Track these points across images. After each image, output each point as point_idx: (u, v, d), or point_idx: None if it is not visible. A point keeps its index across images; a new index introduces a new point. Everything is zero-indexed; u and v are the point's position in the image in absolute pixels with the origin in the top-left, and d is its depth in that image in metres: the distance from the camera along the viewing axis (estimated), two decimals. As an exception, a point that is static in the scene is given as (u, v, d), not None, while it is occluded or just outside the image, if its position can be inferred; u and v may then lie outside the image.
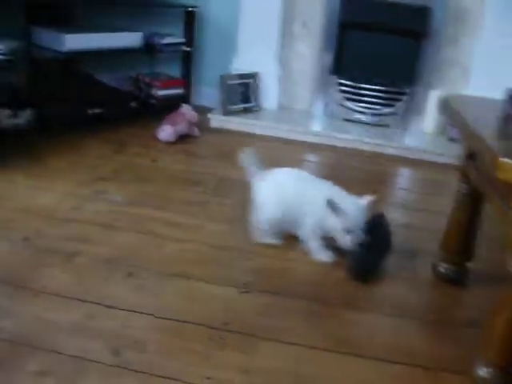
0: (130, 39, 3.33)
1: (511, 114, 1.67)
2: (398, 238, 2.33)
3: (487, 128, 1.63)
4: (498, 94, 1.77)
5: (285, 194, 2.08)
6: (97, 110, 3.20)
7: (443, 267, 2.04)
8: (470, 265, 2.04)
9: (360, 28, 3.73)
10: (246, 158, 2.17)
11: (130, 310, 1.67)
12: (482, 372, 1.52)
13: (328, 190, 2.08)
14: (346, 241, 1.99)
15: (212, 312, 1.71)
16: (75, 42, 3.01)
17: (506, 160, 1.23)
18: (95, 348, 1.50)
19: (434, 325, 1.81)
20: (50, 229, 2.08)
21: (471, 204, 1.92)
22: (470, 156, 1.82)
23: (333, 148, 3.45)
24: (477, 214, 1.94)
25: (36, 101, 2.92)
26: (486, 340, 1.52)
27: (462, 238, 1.97)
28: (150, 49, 3.51)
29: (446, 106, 1.84)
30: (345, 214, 1.96)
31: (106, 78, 3.67)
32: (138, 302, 1.72)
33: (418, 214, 2.66)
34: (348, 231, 1.98)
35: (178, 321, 1.65)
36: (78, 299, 1.69)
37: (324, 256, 2.07)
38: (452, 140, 3.50)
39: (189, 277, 1.88)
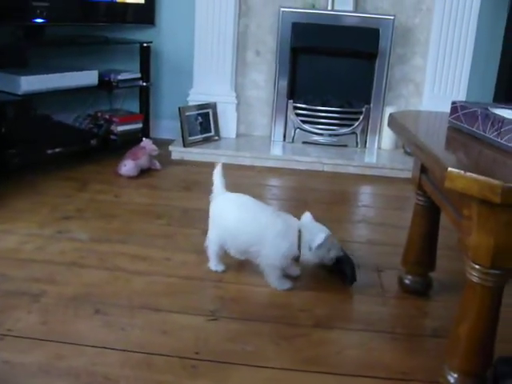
0: (85, 77, 3.34)
1: (456, 125, 1.73)
2: (362, 253, 2.37)
3: (434, 140, 1.68)
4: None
5: (225, 221, 2.07)
6: (56, 150, 3.19)
7: (408, 279, 2.08)
8: (433, 275, 2.08)
9: (312, 52, 3.82)
10: (217, 174, 2.18)
11: (98, 347, 1.66)
12: (452, 379, 1.55)
13: (285, 219, 2.06)
14: (329, 258, 2.02)
15: (182, 342, 1.72)
16: (31, 83, 3.02)
17: (452, 169, 1.27)
18: (66, 388, 1.50)
19: (403, 337, 1.84)
20: (15, 271, 2.07)
21: (429, 216, 1.97)
22: (423, 169, 1.88)
23: (294, 171, 3.50)
24: (435, 224, 1.98)
25: (-6, 144, 2.92)
26: (452, 348, 1.54)
27: (422, 250, 2.01)
28: (106, 85, 3.52)
29: (393, 122, 1.89)
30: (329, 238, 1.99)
31: (64, 117, 3.67)
32: (106, 338, 1.71)
33: (380, 229, 2.70)
34: (330, 249, 2.01)
35: (149, 353, 1.65)
36: (45, 340, 1.68)
37: (284, 285, 2.07)
38: (409, 154, 3.58)
39: (157, 309, 1.88)
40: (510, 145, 1.48)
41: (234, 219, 2.05)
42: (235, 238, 2.05)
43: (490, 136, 1.56)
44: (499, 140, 1.52)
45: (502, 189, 1.21)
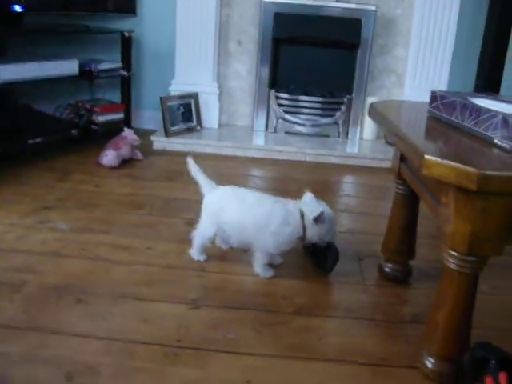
0: (66, 67, 3.33)
1: (435, 114, 1.75)
2: (343, 242, 2.39)
3: (413, 129, 1.70)
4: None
5: (227, 217, 2.07)
6: (37, 140, 3.18)
7: (388, 267, 2.11)
8: (412, 263, 2.11)
9: (294, 42, 3.82)
10: (194, 169, 2.19)
11: (81, 336, 1.67)
12: (430, 364, 1.58)
13: (284, 205, 2.08)
14: (328, 237, 2.07)
15: (164, 330, 1.72)
16: (10, 72, 2.99)
17: (429, 157, 1.29)
18: (47, 376, 1.49)
19: (383, 323, 1.86)
20: (-4, 261, 2.07)
21: (408, 204, 1.99)
22: (403, 158, 1.89)
23: (276, 161, 3.51)
24: (414, 213, 2.01)
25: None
26: (430, 333, 1.57)
27: (402, 238, 2.03)
28: (87, 75, 3.51)
29: (373, 112, 1.91)
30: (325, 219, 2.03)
31: (45, 107, 3.65)
32: (89, 327, 1.71)
33: (362, 218, 2.73)
34: (329, 228, 2.06)
35: (131, 342, 1.66)
36: (28, 329, 1.68)
37: (268, 273, 2.08)
38: (390, 144, 3.60)
39: (139, 298, 1.89)
40: (487, 133, 1.50)
41: (237, 214, 2.06)
42: (240, 232, 2.06)
43: (468, 125, 1.58)
44: (477, 129, 1.54)
45: (477, 176, 1.23)
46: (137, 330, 1.71)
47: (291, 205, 2.07)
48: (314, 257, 2.18)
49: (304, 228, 2.02)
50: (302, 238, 2.05)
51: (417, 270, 2.13)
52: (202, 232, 2.12)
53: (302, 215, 2.02)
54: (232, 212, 2.06)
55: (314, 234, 2.02)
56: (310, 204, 2.06)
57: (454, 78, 3.79)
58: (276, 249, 2.05)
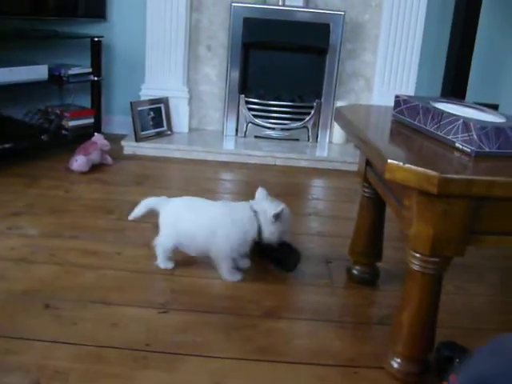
0: (35, 72, 3.31)
1: (399, 118, 1.78)
2: (312, 245, 2.42)
3: (377, 133, 1.73)
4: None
5: (180, 224, 2.08)
6: (6, 145, 3.15)
7: (356, 269, 2.13)
8: (379, 265, 2.14)
9: (263, 47, 3.85)
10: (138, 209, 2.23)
11: (49, 341, 1.66)
12: (396, 364, 1.61)
13: (233, 208, 2.10)
14: (276, 239, 2.06)
15: (133, 334, 1.73)
16: (-22, 78, 2.98)
17: (391, 161, 1.32)
18: (15, 382, 1.49)
19: (350, 325, 1.88)
20: (-37, 268, 2.05)
21: (375, 207, 2.02)
22: (368, 161, 1.93)
23: (246, 165, 3.53)
24: (381, 216, 2.04)
25: None
26: (396, 334, 1.60)
27: (369, 240, 2.06)
28: (57, 80, 3.49)
29: (339, 116, 1.93)
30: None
31: (14, 112, 3.63)
32: (57, 333, 1.71)
33: (330, 221, 2.76)
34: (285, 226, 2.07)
35: (100, 346, 1.66)
36: (-5, 335, 1.68)
37: (235, 277, 2.09)
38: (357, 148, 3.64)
39: (107, 302, 1.89)
40: (448, 137, 1.53)
41: (189, 223, 2.07)
42: (194, 241, 2.07)
43: (431, 129, 1.61)
44: (439, 133, 1.57)
45: (438, 179, 1.26)
46: (106, 335, 1.72)
47: (241, 206, 2.09)
48: (273, 258, 2.20)
49: (259, 227, 2.03)
50: (258, 237, 2.05)
51: (384, 272, 2.16)
52: (162, 244, 2.12)
53: (256, 214, 2.04)
54: (185, 222, 2.08)
55: (270, 232, 2.03)
56: (263, 202, 2.08)
57: (422, 83, 3.86)
58: (232, 252, 2.05)
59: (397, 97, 1.80)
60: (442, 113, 1.56)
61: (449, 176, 1.28)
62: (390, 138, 1.71)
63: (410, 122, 1.73)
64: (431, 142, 1.57)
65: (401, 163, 1.31)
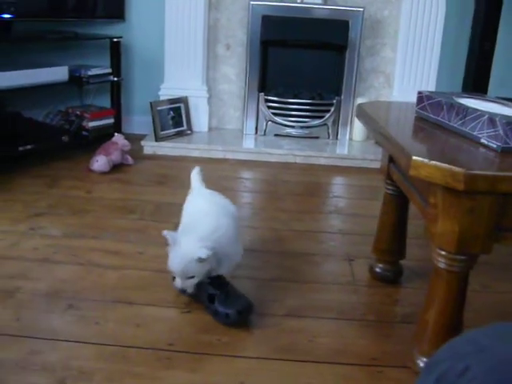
0: (55, 73, 3.32)
1: (422, 115, 1.76)
2: (333, 243, 2.41)
3: (400, 130, 1.71)
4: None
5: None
6: (27, 147, 3.17)
7: (378, 267, 2.12)
8: (403, 263, 2.12)
9: (282, 45, 3.84)
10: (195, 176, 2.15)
11: (73, 341, 1.67)
12: (421, 363, 1.59)
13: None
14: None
15: (156, 334, 1.73)
16: (0, 80, 2.99)
17: (416, 158, 1.30)
18: (41, 382, 1.49)
19: (374, 324, 1.87)
20: (-13, 269, 2.07)
21: (398, 204, 2.01)
22: (391, 158, 1.91)
23: (266, 163, 3.52)
24: (404, 213, 2.02)
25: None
26: (421, 333, 1.58)
27: (392, 238, 2.05)
28: (77, 81, 3.51)
29: (361, 113, 1.92)
30: None
31: (35, 113, 3.65)
32: (81, 333, 1.72)
33: (352, 219, 2.74)
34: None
35: (123, 346, 1.66)
36: (20, 336, 1.68)
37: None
38: (380, 145, 3.62)
39: (130, 302, 1.89)
40: (473, 133, 1.51)
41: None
42: None
43: (455, 125, 1.59)
44: (463, 129, 1.55)
45: (464, 176, 1.24)
46: (129, 335, 1.72)
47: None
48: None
49: None
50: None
51: (407, 270, 2.15)
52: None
53: None
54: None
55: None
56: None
57: (442, 79, 3.82)
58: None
59: (419, 93, 1.79)
60: (466, 108, 1.54)
61: (475, 172, 1.26)
62: (414, 135, 1.69)
63: (433, 118, 1.71)
64: (456, 138, 1.55)
65: (426, 160, 1.29)
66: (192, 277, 1.79)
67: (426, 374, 0.78)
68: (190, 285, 1.81)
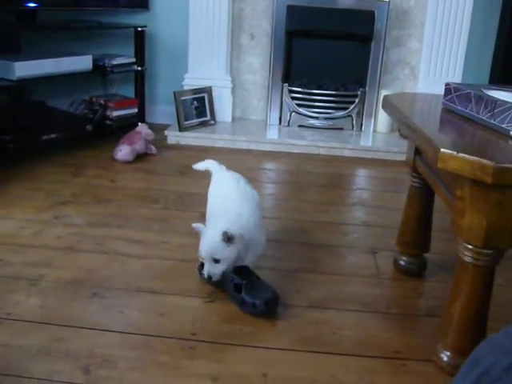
0: (80, 62, 3.34)
1: (450, 106, 1.74)
2: (357, 235, 2.40)
3: (427, 122, 1.70)
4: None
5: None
6: (52, 136, 3.19)
7: (403, 260, 2.10)
8: (427, 256, 2.10)
9: (307, 35, 3.81)
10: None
11: (97, 329, 1.68)
12: (445, 357, 1.58)
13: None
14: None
15: (179, 324, 1.73)
16: (25, 69, 3.01)
17: (444, 150, 1.29)
18: (65, 369, 1.51)
19: (397, 317, 1.86)
20: (13, 256, 2.08)
21: (423, 197, 1.99)
22: (417, 150, 1.89)
23: (289, 154, 3.51)
24: (429, 206, 2.00)
25: (-11, 131, 2.92)
26: (445, 327, 1.57)
27: (417, 231, 2.03)
28: (101, 70, 3.52)
29: (387, 104, 1.90)
30: None
31: (59, 103, 3.67)
32: (104, 321, 1.73)
33: (375, 211, 2.72)
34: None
35: (147, 335, 1.67)
36: (45, 323, 1.70)
37: None
38: (404, 137, 3.59)
39: (154, 291, 1.90)
40: (502, 126, 1.49)
41: None
42: None
43: (484, 117, 1.57)
44: (492, 121, 1.53)
45: (493, 169, 1.23)
46: (153, 324, 1.73)
47: None
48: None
49: None
50: None
51: (431, 263, 2.13)
52: None
53: None
54: None
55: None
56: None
57: (468, 70, 3.77)
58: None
59: (447, 84, 1.76)
60: (495, 101, 1.52)
61: (504, 165, 1.24)
62: (441, 127, 1.67)
63: (461, 111, 1.68)
64: (484, 131, 1.53)
65: (454, 152, 1.28)
66: (218, 261, 1.80)
67: (467, 370, 0.77)
68: (217, 271, 1.82)
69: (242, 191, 1.98)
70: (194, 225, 1.88)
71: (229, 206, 1.91)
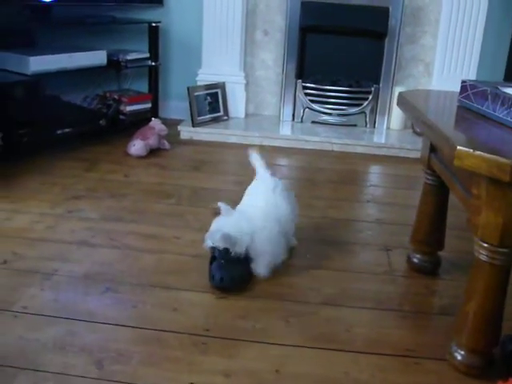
0: (94, 57, 3.34)
1: (466, 104, 1.73)
2: (370, 233, 2.39)
3: (443, 119, 1.68)
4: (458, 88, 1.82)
5: None
6: (66, 130, 3.20)
7: (416, 258, 2.09)
8: (441, 254, 2.09)
9: (321, 31, 3.80)
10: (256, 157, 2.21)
11: (110, 324, 1.69)
12: (459, 356, 1.57)
13: None
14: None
15: (192, 319, 1.74)
16: (40, 63, 3.02)
17: (461, 148, 1.28)
18: (78, 363, 1.52)
19: (411, 315, 1.85)
20: (27, 250, 2.09)
21: (437, 195, 1.98)
22: (432, 148, 1.88)
23: (302, 151, 3.50)
24: (444, 204, 1.99)
25: (4, 125, 2.92)
26: (460, 325, 1.56)
27: (431, 229, 2.02)
28: (115, 66, 3.53)
29: (402, 101, 1.89)
30: None
31: (73, 97, 3.68)
32: (118, 316, 1.73)
33: (389, 208, 2.71)
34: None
35: (160, 330, 1.68)
36: (59, 317, 1.71)
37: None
38: (418, 134, 3.58)
39: (167, 287, 1.91)
40: (519, 124, 1.48)
41: None
42: None
43: (500, 115, 1.56)
44: (509, 119, 1.52)
45: (511, 167, 1.21)
46: (166, 319, 1.73)
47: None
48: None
49: None
50: None
51: (445, 261, 2.11)
52: None
53: None
54: None
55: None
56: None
57: (483, 68, 3.74)
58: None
59: (463, 82, 1.75)
60: (512, 98, 1.51)
61: (521, 164, 1.23)
62: (457, 124, 1.66)
63: (477, 108, 1.67)
64: (500, 129, 1.52)
65: (471, 150, 1.27)
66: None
67: None
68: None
69: (269, 201, 2.05)
70: (219, 203, 1.95)
71: (250, 208, 2.03)
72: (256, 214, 1.99)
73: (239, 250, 1.88)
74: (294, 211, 2.13)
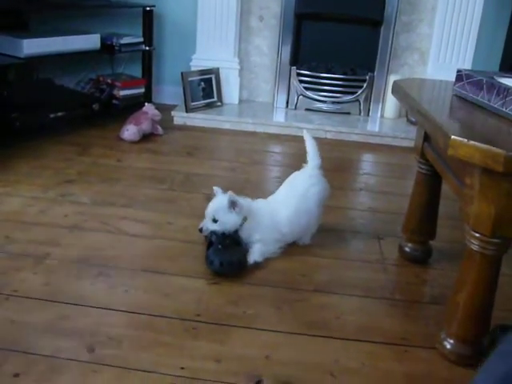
0: (87, 41, 3.32)
1: (461, 93, 1.73)
2: (362, 221, 2.39)
3: (438, 108, 1.68)
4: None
5: None
6: (58, 114, 3.19)
7: (408, 247, 2.10)
8: (432, 243, 2.10)
9: (316, 18, 3.79)
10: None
11: (102, 308, 1.69)
12: (449, 345, 1.58)
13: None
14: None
15: (184, 304, 1.74)
16: (33, 46, 3.00)
17: (455, 137, 1.28)
18: (70, 346, 1.52)
19: (402, 303, 1.86)
20: (19, 233, 2.09)
21: (430, 184, 1.98)
22: (426, 137, 1.88)
23: (295, 138, 3.49)
24: (436, 193, 2.00)
25: (-4, 107, 2.91)
26: (450, 315, 1.57)
27: (423, 218, 2.02)
28: (108, 49, 3.51)
29: (397, 90, 1.89)
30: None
31: (66, 81, 3.66)
32: (110, 300, 1.73)
33: (382, 196, 2.72)
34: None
35: (151, 315, 1.68)
36: (50, 300, 1.70)
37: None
38: (412, 123, 3.58)
39: (159, 272, 1.91)
40: (514, 114, 1.48)
41: None
42: None
43: (495, 105, 1.56)
44: (504, 109, 1.52)
45: (504, 157, 1.22)
46: (157, 304, 1.73)
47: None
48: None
49: None
50: None
51: (437, 251, 2.12)
52: None
53: None
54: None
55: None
56: None
57: (479, 57, 3.74)
58: None
59: (459, 71, 1.75)
60: (508, 88, 1.50)
61: (515, 154, 1.23)
62: (452, 114, 1.66)
63: (472, 98, 1.67)
64: (495, 119, 1.52)
65: (465, 140, 1.27)
66: (216, 221, 1.98)
67: (496, 361, 0.76)
68: (209, 228, 1.99)
69: (297, 196, 2.16)
70: (214, 187, 2.06)
71: (275, 195, 2.21)
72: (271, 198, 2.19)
73: (238, 212, 1.98)
74: (318, 219, 2.19)
